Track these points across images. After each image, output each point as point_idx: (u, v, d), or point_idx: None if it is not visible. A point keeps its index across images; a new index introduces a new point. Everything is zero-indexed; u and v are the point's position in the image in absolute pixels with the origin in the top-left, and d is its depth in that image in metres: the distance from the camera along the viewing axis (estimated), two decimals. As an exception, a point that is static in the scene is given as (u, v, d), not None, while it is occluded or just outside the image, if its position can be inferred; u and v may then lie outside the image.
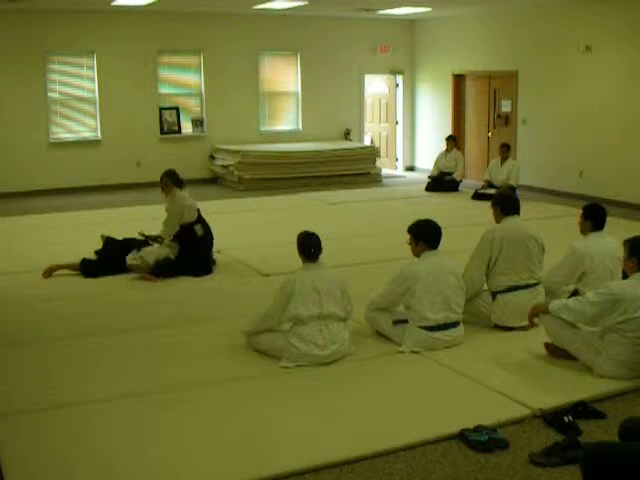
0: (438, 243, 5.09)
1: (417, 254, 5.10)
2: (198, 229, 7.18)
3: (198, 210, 7.29)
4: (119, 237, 7.55)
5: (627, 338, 4.39)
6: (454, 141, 12.61)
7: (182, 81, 13.33)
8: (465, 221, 9.23)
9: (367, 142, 14.94)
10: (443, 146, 12.72)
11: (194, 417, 4.07)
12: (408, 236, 5.13)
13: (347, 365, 4.79)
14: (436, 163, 12.60)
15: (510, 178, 11.15)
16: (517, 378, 4.52)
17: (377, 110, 15.45)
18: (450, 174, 12.35)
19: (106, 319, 5.82)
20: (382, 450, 3.70)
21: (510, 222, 5.42)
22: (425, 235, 5.07)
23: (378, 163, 14.00)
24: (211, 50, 13.26)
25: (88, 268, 7.09)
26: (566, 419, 3.90)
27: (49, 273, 7.07)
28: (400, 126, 15.18)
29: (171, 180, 7.23)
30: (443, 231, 5.14)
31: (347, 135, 14.53)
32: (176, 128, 13.27)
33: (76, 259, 7.20)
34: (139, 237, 7.37)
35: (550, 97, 12.00)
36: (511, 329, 5.34)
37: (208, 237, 7.30)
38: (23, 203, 11.39)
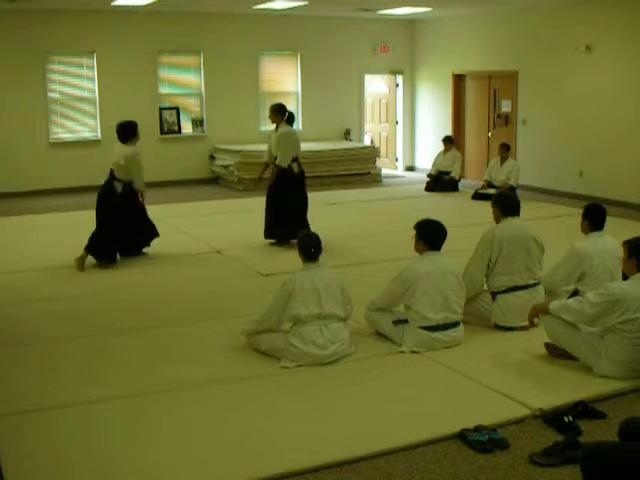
0: (441, 245, 5.09)
1: (419, 251, 5.11)
2: (295, 166, 7.78)
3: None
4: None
5: (627, 338, 4.39)
6: (450, 142, 12.60)
7: (182, 81, 13.33)
8: (465, 221, 9.22)
9: (367, 142, 14.93)
10: (443, 146, 12.73)
11: (194, 417, 4.07)
12: (414, 231, 5.14)
13: (347, 365, 4.79)
14: (434, 162, 12.64)
15: (510, 178, 11.15)
16: (517, 378, 4.52)
17: (377, 110, 15.44)
18: (448, 173, 12.37)
19: (106, 319, 5.82)
20: (382, 450, 3.70)
21: (510, 222, 5.42)
22: (428, 235, 5.06)
23: (378, 163, 14.00)
24: (211, 50, 13.26)
25: (99, 249, 7.36)
26: (566, 419, 3.90)
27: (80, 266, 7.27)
28: (400, 126, 15.17)
29: (283, 116, 7.84)
30: (444, 231, 5.15)
31: (347, 135, 14.53)
32: (176, 128, 13.27)
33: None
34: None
35: (550, 97, 12.00)
36: (511, 329, 5.34)
37: (302, 178, 7.94)
38: (23, 203, 11.39)
